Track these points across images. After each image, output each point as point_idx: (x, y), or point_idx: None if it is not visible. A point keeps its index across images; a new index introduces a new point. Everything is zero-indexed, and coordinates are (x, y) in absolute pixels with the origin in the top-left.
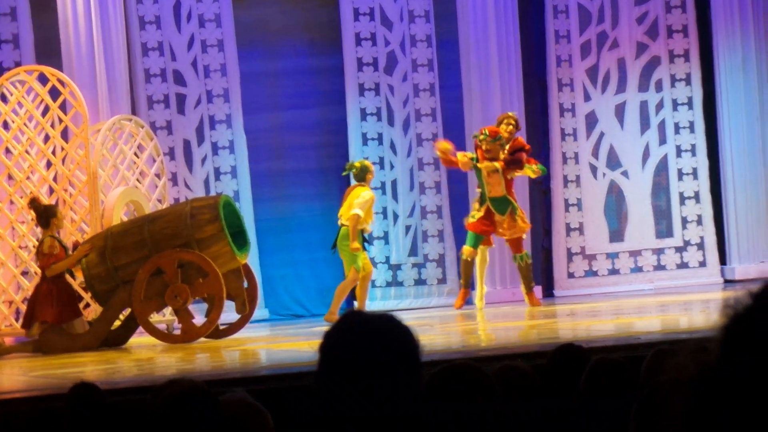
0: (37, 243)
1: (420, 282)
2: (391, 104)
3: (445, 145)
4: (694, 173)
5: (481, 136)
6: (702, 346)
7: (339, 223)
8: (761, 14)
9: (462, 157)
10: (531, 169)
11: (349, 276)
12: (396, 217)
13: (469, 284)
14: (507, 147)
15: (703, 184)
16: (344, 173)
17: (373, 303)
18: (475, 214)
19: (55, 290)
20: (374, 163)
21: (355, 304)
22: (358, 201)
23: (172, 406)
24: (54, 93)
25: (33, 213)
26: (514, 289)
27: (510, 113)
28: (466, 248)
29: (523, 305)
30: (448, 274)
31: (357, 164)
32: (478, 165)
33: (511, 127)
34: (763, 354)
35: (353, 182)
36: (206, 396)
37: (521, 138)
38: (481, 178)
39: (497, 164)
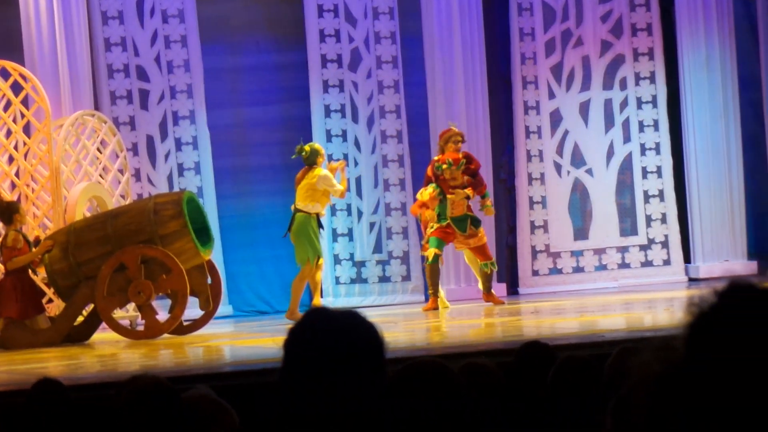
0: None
1: (384, 279)
2: (356, 101)
3: (416, 208)
4: (659, 171)
5: (445, 166)
6: (667, 344)
7: (293, 208)
8: (725, 12)
9: (428, 197)
10: (486, 207)
11: (304, 270)
12: (360, 214)
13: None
14: (462, 167)
15: (668, 183)
16: (294, 156)
17: (338, 300)
18: (435, 225)
19: (19, 285)
20: (338, 160)
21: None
22: (323, 177)
23: (135, 402)
24: (16, 88)
25: None
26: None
27: (453, 129)
28: (435, 250)
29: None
30: (413, 271)
31: (307, 147)
32: (449, 196)
33: (459, 144)
34: (727, 352)
35: (304, 166)
36: (169, 392)
37: (474, 156)
38: (446, 204)
39: (468, 191)
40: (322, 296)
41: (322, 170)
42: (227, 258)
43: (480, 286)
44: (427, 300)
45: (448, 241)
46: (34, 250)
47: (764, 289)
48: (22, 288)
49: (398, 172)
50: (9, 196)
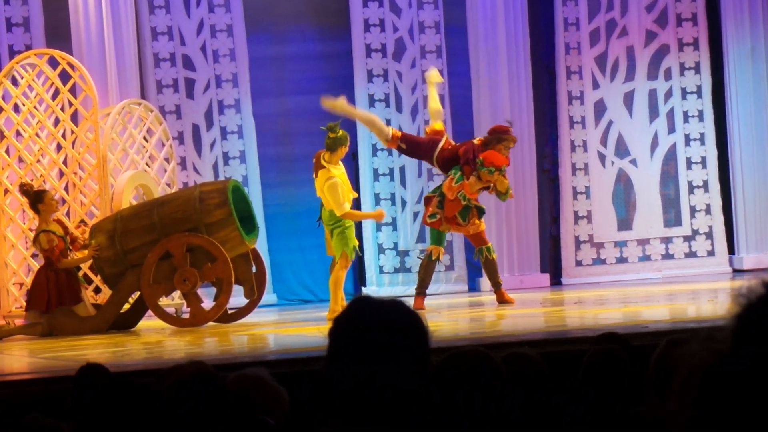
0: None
1: None
2: (400, 91)
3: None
4: (703, 162)
5: (491, 170)
6: (714, 336)
7: (319, 195)
8: None
9: (472, 191)
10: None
11: (339, 264)
12: (404, 203)
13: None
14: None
15: (712, 173)
16: (324, 128)
17: (381, 289)
18: (437, 212)
19: (53, 278)
20: (382, 150)
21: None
22: (335, 198)
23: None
24: (64, 76)
25: (25, 198)
26: (522, 276)
27: (511, 131)
28: (438, 247)
29: (532, 292)
30: (456, 261)
31: (339, 132)
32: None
33: (509, 149)
34: None
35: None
36: (214, 379)
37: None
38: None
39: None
40: (365, 285)
41: (329, 176)
42: (271, 246)
43: (489, 280)
44: (473, 289)
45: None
46: (76, 255)
47: None
48: (56, 281)
49: None
50: (57, 184)
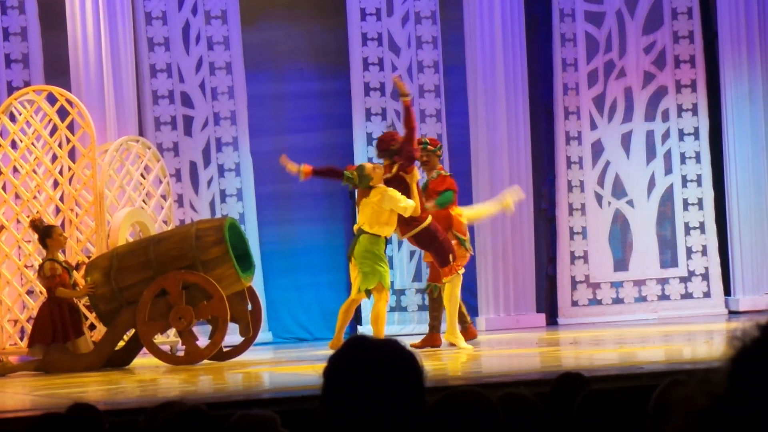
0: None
1: (424, 307)
2: (398, 130)
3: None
4: (700, 203)
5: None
6: (709, 377)
7: (356, 229)
8: None
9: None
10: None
11: (378, 297)
12: (400, 242)
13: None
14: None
15: (708, 215)
16: (345, 182)
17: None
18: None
19: (57, 312)
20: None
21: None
22: (388, 196)
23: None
24: (62, 113)
25: (35, 233)
26: (518, 315)
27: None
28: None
29: (528, 332)
30: None
31: (353, 174)
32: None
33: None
34: None
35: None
36: (204, 418)
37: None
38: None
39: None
40: (361, 324)
41: (386, 188)
42: (268, 284)
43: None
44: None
45: None
46: (77, 288)
47: None
48: (60, 314)
49: None
50: (53, 221)
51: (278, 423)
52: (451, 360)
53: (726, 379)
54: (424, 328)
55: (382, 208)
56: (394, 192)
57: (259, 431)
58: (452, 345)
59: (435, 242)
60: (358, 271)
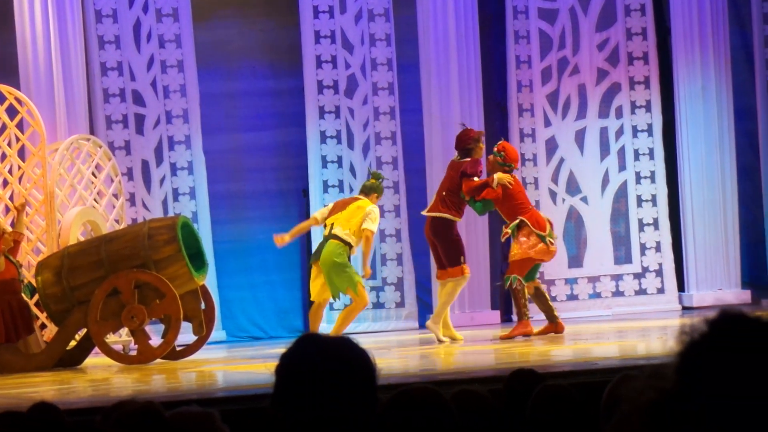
0: None
1: (378, 305)
2: (351, 127)
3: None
4: (653, 200)
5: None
6: (658, 372)
7: (326, 233)
8: (721, 43)
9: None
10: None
11: (356, 300)
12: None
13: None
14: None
15: (662, 211)
16: (371, 178)
17: (332, 326)
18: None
19: (7, 309)
20: (333, 186)
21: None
22: (371, 216)
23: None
24: (11, 111)
25: None
26: (473, 313)
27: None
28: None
29: (483, 329)
30: (407, 298)
31: (379, 178)
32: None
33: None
34: (716, 381)
35: (355, 193)
36: (159, 417)
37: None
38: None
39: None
40: None
41: (372, 204)
42: (221, 283)
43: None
44: (424, 326)
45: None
46: (24, 281)
47: (754, 318)
48: (11, 311)
49: (393, 199)
50: (2, 220)
51: (217, 419)
52: (404, 357)
53: (674, 373)
54: (379, 326)
55: (358, 218)
56: (374, 215)
57: (197, 428)
58: (451, 338)
59: (449, 238)
60: (324, 276)
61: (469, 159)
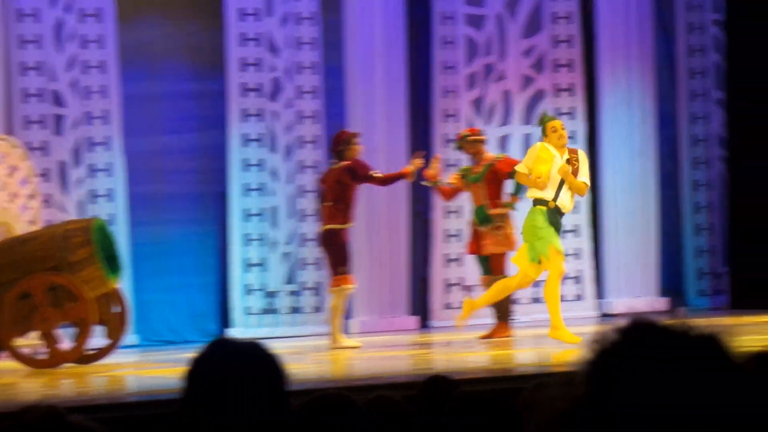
0: None
1: (296, 310)
2: (275, 131)
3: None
4: (576, 207)
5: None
6: (571, 380)
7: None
8: (647, 51)
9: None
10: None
11: (553, 273)
12: (275, 244)
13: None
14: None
15: (584, 218)
16: (538, 122)
17: (248, 330)
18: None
19: None
20: (254, 190)
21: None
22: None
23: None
24: None
25: None
26: (392, 318)
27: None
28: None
29: (400, 335)
30: (325, 303)
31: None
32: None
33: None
34: (625, 389)
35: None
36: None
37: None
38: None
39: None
40: (230, 326)
41: (536, 147)
42: (138, 286)
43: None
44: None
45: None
46: None
47: (665, 326)
48: None
49: (314, 203)
50: None
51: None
52: (319, 363)
53: (585, 381)
54: (296, 331)
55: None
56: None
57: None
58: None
59: (334, 246)
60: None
61: (348, 162)
